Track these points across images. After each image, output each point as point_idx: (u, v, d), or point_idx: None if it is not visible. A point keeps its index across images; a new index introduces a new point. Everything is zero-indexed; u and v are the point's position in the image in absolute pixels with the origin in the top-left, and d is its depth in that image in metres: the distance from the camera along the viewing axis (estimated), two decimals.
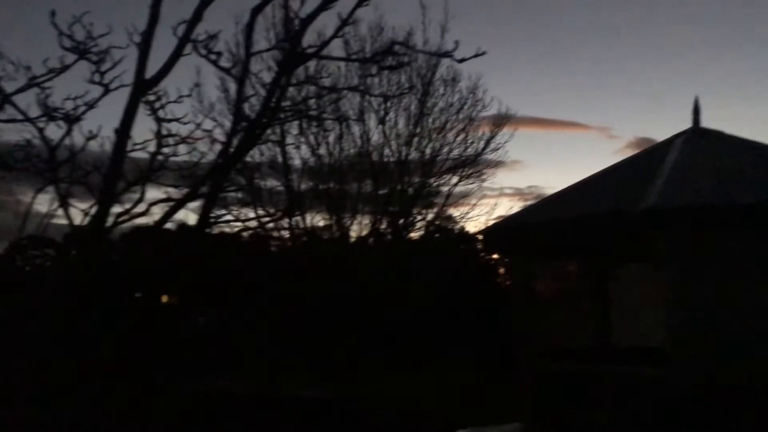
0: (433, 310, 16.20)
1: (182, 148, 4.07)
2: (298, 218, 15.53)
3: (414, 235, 18.28)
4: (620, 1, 29.72)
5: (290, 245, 16.37)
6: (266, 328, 15.03)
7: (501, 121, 16.16)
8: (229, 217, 13.44)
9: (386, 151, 15.81)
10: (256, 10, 3.49)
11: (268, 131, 10.72)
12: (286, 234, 16.09)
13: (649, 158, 11.43)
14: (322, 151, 15.24)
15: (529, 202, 22.22)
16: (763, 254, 9.26)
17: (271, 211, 14.78)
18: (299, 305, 14.76)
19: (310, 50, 4.27)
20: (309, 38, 11.10)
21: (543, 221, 11.88)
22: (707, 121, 12.69)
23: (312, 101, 10.92)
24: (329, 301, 14.36)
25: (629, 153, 20.65)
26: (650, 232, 9.72)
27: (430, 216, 17.99)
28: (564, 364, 11.35)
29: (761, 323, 9.16)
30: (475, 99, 15.87)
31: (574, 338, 13.48)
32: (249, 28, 3.51)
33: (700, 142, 11.15)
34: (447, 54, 7.53)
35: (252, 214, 15.05)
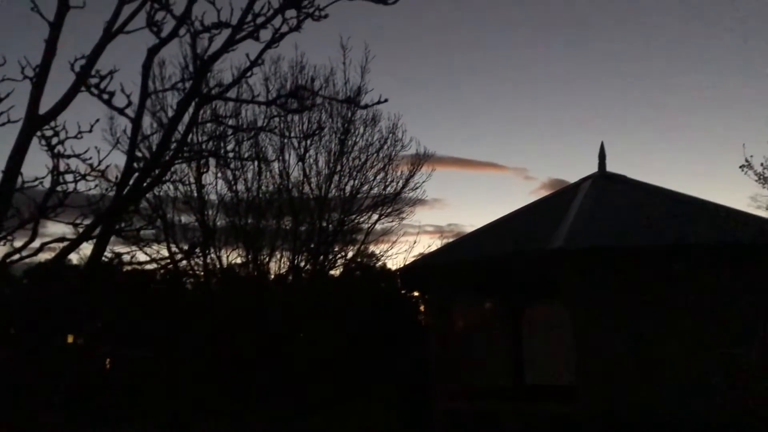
0: (354, 349, 16.08)
1: (83, 185, 3.89)
2: (214, 255, 15.19)
3: (334, 272, 18.19)
4: (534, 48, 31.12)
5: (204, 283, 15.95)
6: (177, 369, 14.50)
7: (420, 160, 16.45)
8: (140, 255, 12.97)
9: (306, 188, 15.76)
10: (153, 50, 3.41)
11: (176, 168, 10.56)
12: (200, 272, 15.69)
13: (559, 200, 11.90)
14: (240, 187, 15.06)
15: (449, 240, 22.61)
16: (664, 294, 9.72)
17: (185, 247, 14.44)
18: (213, 344, 14.33)
19: (215, 90, 4.19)
20: (226, 76, 11.04)
21: (458, 260, 12.10)
22: (614, 165, 13.40)
23: (230, 138, 10.79)
24: (245, 339, 14.02)
25: (544, 194, 21.42)
26: (558, 272, 10.07)
27: (350, 253, 17.97)
28: (478, 403, 11.48)
29: (664, 361, 9.58)
30: (395, 139, 16.11)
31: (488, 376, 13.65)
32: (145, 68, 3.42)
33: (605, 186, 11.72)
34: (350, 100, 7.67)
35: (165, 252, 14.59)
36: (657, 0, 28.61)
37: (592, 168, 12.45)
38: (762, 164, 16.32)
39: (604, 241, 9.76)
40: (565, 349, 10.49)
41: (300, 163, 15.43)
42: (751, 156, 16.54)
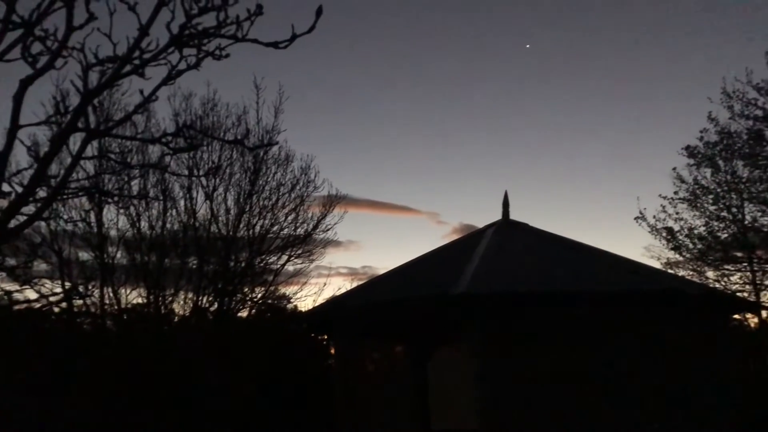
0: (261, 394, 15.61)
1: None
2: (112, 295, 14.47)
3: (242, 314, 17.71)
4: (447, 96, 32.19)
5: (101, 324, 15.14)
6: (70, 417, 13.57)
7: (332, 201, 16.42)
8: (30, 292, 12.20)
9: (214, 227, 15.37)
10: (26, 82, 3.25)
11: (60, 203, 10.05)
12: (97, 311, 14.89)
13: (465, 246, 12.14)
14: (144, 223, 14.51)
15: (362, 282, 22.56)
16: (565, 338, 10.01)
17: (80, 286, 13.68)
18: (107, 389, 13.53)
19: (102, 126, 4.04)
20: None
21: (366, 303, 12.08)
22: (517, 213, 13.88)
23: (134, 175, 10.45)
24: (141, 384, 13.32)
25: (455, 237, 21.84)
26: (462, 316, 10.22)
27: (259, 295, 17.58)
28: None
29: (566, 404, 9.79)
30: (308, 179, 16.04)
31: (395, 421, 13.53)
32: (16, 100, 3.24)
33: (508, 233, 12.08)
34: (238, 141, 7.65)
35: (59, 289, 13.78)
36: (565, 58, 30.22)
37: (498, 214, 12.84)
38: (654, 216, 17.36)
39: (505, 286, 9.99)
40: (470, 394, 10.57)
41: (208, 201, 15.07)
42: (645, 208, 17.57)
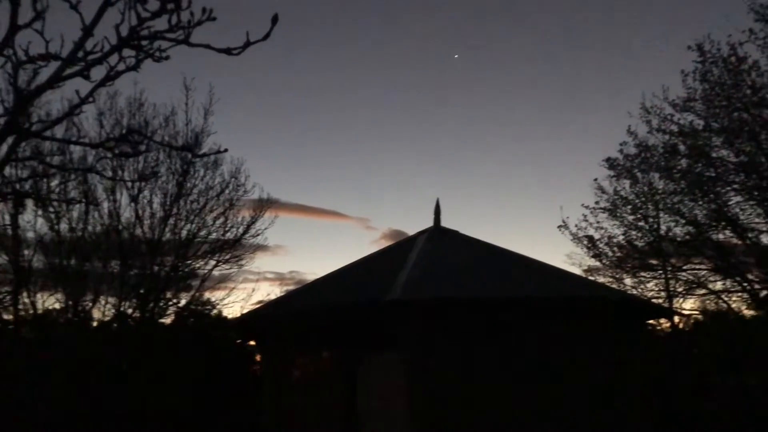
0: (186, 401, 15.18)
1: None
2: (27, 299, 13.74)
3: (166, 320, 17.19)
4: (374, 105, 32.42)
5: (14, 330, 14.35)
6: None
7: (263, 206, 16.18)
8: None
9: (138, 231, 14.86)
10: None
11: None
12: (11, 317, 14.11)
13: (397, 252, 12.24)
14: (64, 226, 13.87)
15: (290, 287, 22.33)
16: (495, 344, 10.24)
17: None
18: (21, 399, 12.84)
19: (36, 126, 3.85)
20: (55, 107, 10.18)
21: (297, 310, 11.98)
22: (448, 220, 14.12)
23: (54, 175, 9.97)
24: (59, 395, 12.71)
25: (385, 243, 21.98)
26: (394, 323, 10.29)
27: (184, 300, 17.11)
28: None
29: (495, 408, 9.99)
30: (237, 183, 15.74)
31: (324, 427, 13.45)
32: None
33: (439, 240, 12.27)
34: (187, 148, 7.41)
35: None
36: (493, 69, 30.94)
37: (429, 221, 13.03)
38: (576, 225, 18.02)
39: (437, 293, 10.14)
40: (401, 399, 10.64)
41: (132, 204, 14.57)
42: (567, 217, 18.21)
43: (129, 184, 14.15)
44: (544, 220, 33.56)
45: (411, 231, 13.51)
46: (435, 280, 10.54)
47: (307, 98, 30.36)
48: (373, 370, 13.30)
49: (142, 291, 15.30)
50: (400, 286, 9.93)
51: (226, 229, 15.77)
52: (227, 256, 16.20)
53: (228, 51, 3.41)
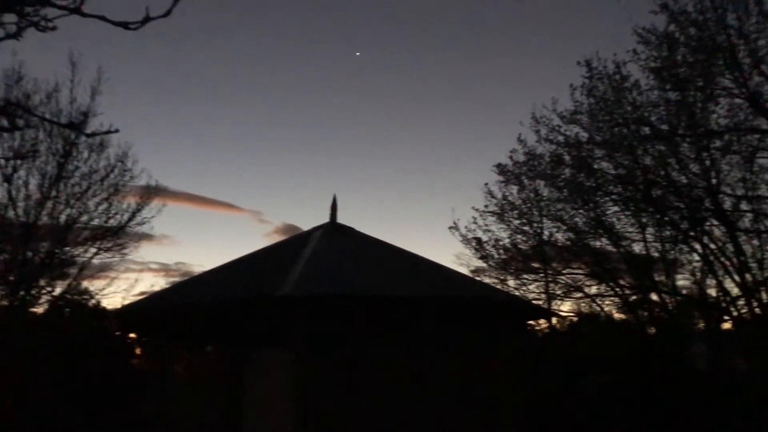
0: (57, 395, 14.29)
1: None
2: None
3: (38, 309, 16.09)
4: (270, 98, 31.94)
5: None
6: None
7: (150, 193, 15.49)
8: None
9: (11, 213, 13.80)
10: None
11: None
12: None
13: (291, 247, 12.08)
14: None
15: (175, 279, 21.54)
16: (386, 342, 10.30)
17: None
18: None
19: None
20: None
21: (184, 303, 11.54)
22: (345, 217, 14.08)
23: None
24: None
25: (278, 238, 21.66)
26: (285, 319, 10.15)
27: (60, 289, 16.09)
28: None
29: (383, 407, 10.06)
30: (124, 168, 14.99)
31: (207, 424, 13.08)
32: None
33: (335, 237, 12.22)
34: (73, 126, 6.91)
35: None
36: (393, 69, 31.29)
37: (325, 217, 12.94)
38: (466, 227, 18.55)
39: (330, 290, 10.08)
40: (287, 397, 10.51)
41: (6, 185, 13.52)
42: (458, 219, 18.72)
43: (2, 161, 13.14)
44: (438, 220, 34.39)
45: (306, 226, 13.39)
46: (328, 277, 10.49)
47: (203, 86, 29.43)
48: (260, 367, 13.08)
49: (11, 278, 14.26)
50: (292, 282, 9.80)
51: (110, 215, 15.02)
52: (109, 244, 15.43)
53: (125, 25, 3.21)
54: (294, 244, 12.22)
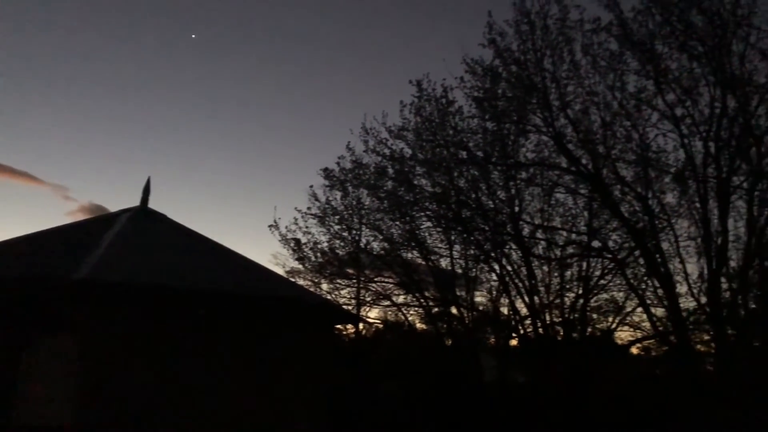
0: None
1: None
2: None
3: None
4: (89, 71, 29.69)
5: None
6: None
7: None
8: None
9: None
10: None
11: None
12: None
13: (94, 228, 11.22)
14: None
15: None
16: (187, 336, 9.85)
17: None
18: None
19: None
20: None
21: None
22: (158, 203, 13.37)
23: None
24: None
25: (82, 217, 20.01)
26: (77, 304, 9.36)
27: None
28: None
29: (178, 402, 9.58)
30: None
31: None
32: None
33: (144, 222, 11.54)
34: None
35: None
36: (229, 56, 30.40)
37: (136, 201, 12.20)
38: (287, 227, 18.50)
39: (132, 277, 9.49)
40: (69, 386, 9.70)
41: None
42: (279, 218, 18.62)
43: None
44: (260, 218, 33.97)
45: (114, 208, 12.53)
46: (130, 264, 9.87)
47: (14, 46, 26.50)
48: (44, 353, 11.98)
49: None
50: (89, 266, 9.09)
51: None
52: None
53: None
54: (97, 225, 11.36)
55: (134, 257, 10.06)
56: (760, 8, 12.28)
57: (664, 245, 14.02)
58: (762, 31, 12.25)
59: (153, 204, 12.18)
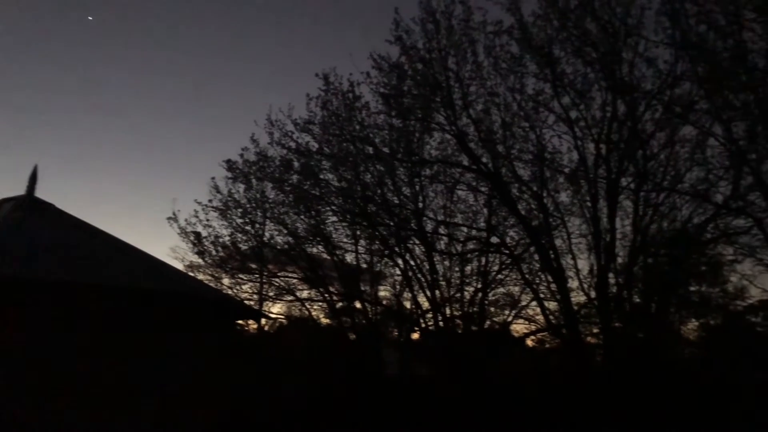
0: None
1: None
2: None
3: None
4: None
5: None
6: None
7: None
8: None
9: None
10: None
11: None
12: None
13: None
14: None
15: None
16: (77, 331, 9.32)
17: None
18: None
19: None
20: None
21: None
22: (47, 193, 12.61)
23: None
24: None
25: None
26: None
27: None
28: None
29: (71, 398, 9.05)
30: None
31: None
32: None
33: (30, 212, 10.86)
34: None
35: None
36: (128, 42, 29.13)
37: (22, 189, 11.46)
38: (186, 220, 17.95)
39: (13, 271, 8.91)
40: None
41: None
42: (179, 210, 18.04)
43: None
44: (158, 210, 32.78)
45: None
46: (14, 256, 9.27)
47: None
48: None
49: None
50: None
51: None
52: None
53: None
54: None
55: (19, 249, 9.46)
56: (648, 20, 13.01)
57: (558, 242, 14.68)
58: (649, 41, 12.98)
59: (42, 194, 11.49)
